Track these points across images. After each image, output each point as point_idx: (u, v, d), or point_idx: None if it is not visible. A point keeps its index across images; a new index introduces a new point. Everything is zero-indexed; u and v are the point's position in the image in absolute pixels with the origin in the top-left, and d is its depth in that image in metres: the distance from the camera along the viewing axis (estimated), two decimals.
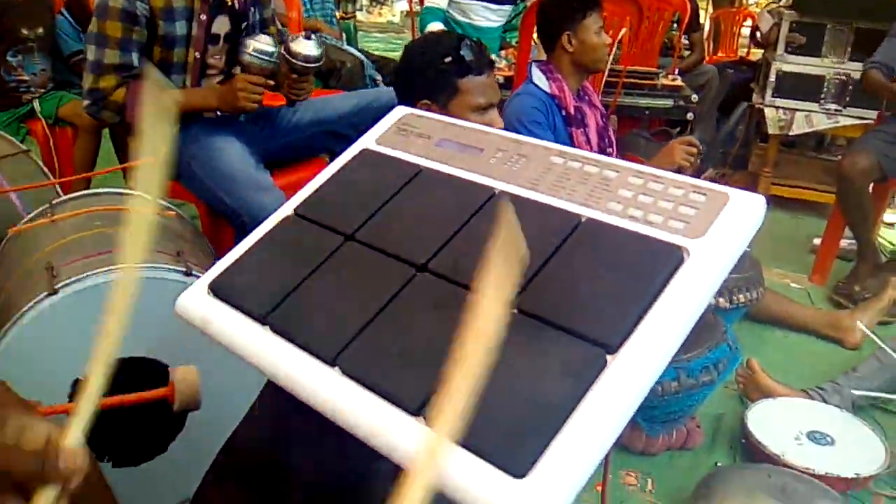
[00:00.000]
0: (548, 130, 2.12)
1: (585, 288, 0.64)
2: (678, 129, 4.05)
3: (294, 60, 2.01)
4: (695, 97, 3.28)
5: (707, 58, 5.99)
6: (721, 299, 2.17)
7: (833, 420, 1.93)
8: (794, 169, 3.75)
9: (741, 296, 2.20)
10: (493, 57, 3.26)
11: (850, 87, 3.47)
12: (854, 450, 1.81)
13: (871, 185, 2.76)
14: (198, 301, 0.80)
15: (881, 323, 2.58)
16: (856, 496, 1.76)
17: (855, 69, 3.43)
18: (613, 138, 2.50)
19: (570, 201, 0.72)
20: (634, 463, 1.85)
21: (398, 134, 0.88)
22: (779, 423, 1.90)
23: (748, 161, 4.01)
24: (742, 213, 0.71)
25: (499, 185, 0.77)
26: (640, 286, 0.63)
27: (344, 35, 4.25)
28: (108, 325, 0.61)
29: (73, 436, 0.59)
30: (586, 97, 2.35)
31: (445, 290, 0.69)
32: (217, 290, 0.80)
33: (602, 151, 2.43)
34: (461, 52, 1.64)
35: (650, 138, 3.14)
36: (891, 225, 3.70)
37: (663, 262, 0.64)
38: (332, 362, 0.69)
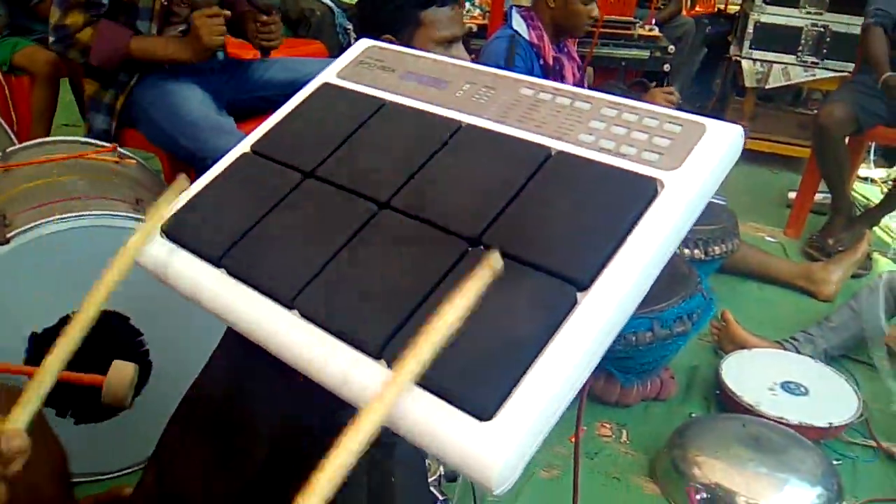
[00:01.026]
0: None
1: (555, 223, 0.61)
2: (654, 83, 4.02)
3: None
4: (672, 48, 3.23)
5: (685, 11, 5.96)
6: (696, 251, 2.16)
7: (807, 370, 1.93)
8: (771, 123, 3.73)
9: (716, 247, 2.19)
10: (465, 3, 3.21)
11: (828, 38, 3.45)
12: (827, 399, 1.82)
13: (847, 137, 2.74)
14: (153, 245, 0.76)
15: (854, 276, 2.60)
16: (829, 444, 1.78)
17: (833, 20, 3.41)
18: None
19: (540, 134, 0.68)
20: (609, 414, 1.84)
21: (361, 67, 0.83)
22: (752, 373, 1.90)
23: (725, 115, 3.98)
24: (719, 144, 0.66)
25: (465, 119, 0.73)
26: (612, 220, 0.60)
27: None
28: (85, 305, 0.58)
29: (17, 419, 0.56)
30: (565, 48, 2.30)
31: (409, 227, 0.65)
32: (171, 232, 0.76)
33: None
34: None
35: (627, 90, 3.09)
36: (865, 179, 3.71)
37: (636, 195, 0.61)
38: (290, 305, 0.65)
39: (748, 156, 3.79)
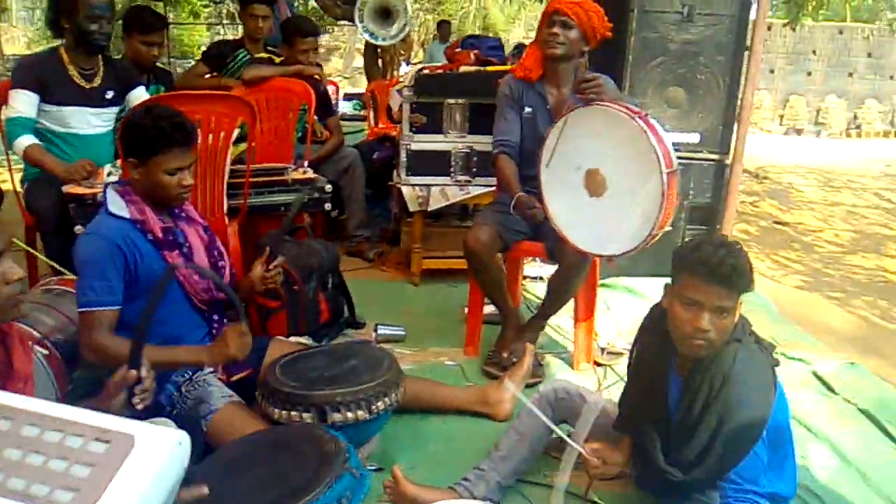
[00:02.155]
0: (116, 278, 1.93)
1: None
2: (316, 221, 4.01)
3: None
4: (328, 187, 3.23)
5: (370, 130, 6.19)
6: (360, 412, 2.06)
7: None
8: (443, 240, 3.86)
9: (380, 403, 2.10)
10: (109, 168, 2.95)
11: (475, 158, 3.68)
12: None
13: (499, 254, 2.87)
14: None
15: (528, 386, 2.65)
16: None
17: (475, 141, 3.65)
18: (225, 250, 2.33)
19: None
20: None
21: None
22: None
23: (400, 237, 4.08)
24: (151, 458, 0.57)
25: None
26: None
27: None
28: None
29: None
30: (182, 213, 2.14)
31: None
32: None
33: (214, 266, 2.23)
34: None
35: (289, 238, 3.01)
36: (536, 278, 3.96)
37: None
38: None
39: (426, 273, 3.93)
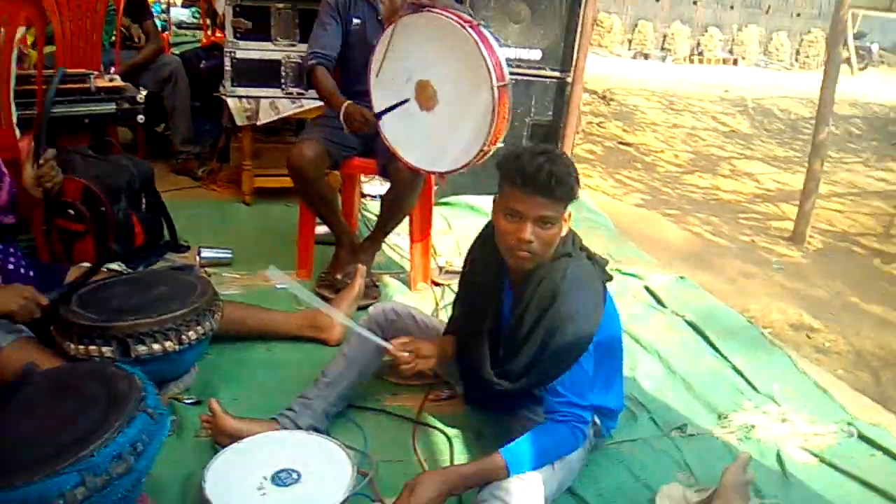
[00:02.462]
0: None
1: None
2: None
3: None
4: (141, 97, 2.92)
5: (204, 39, 5.70)
6: (168, 342, 1.89)
7: (300, 449, 1.77)
8: (276, 157, 3.63)
9: (191, 333, 1.93)
10: None
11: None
12: (322, 479, 1.67)
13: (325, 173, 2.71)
14: None
15: (362, 308, 2.55)
16: None
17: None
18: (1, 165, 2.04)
19: None
20: None
21: None
22: (243, 472, 1.68)
23: (230, 154, 3.82)
24: None
25: None
26: None
27: None
28: None
29: None
30: None
31: None
32: None
33: None
34: None
35: (91, 154, 2.70)
36: (375, 197, 3.83)
37: None
38: None
39: (260, 192, 3.70)
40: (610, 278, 1.85)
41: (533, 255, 1.68)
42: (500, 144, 2.31)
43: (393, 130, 2.45)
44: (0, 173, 2.04)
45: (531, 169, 1.60)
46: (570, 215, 1.71)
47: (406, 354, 1.88)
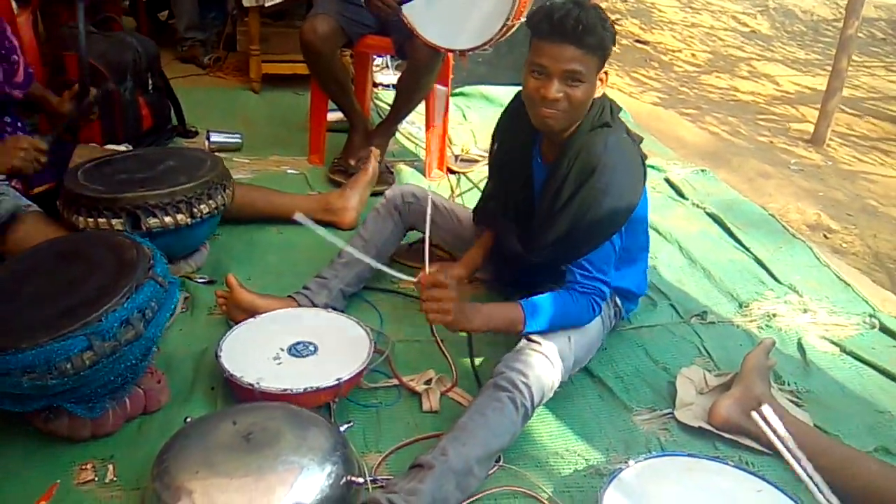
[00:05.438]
0: None
1: None
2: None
3: None
4: None
5: None
6: (180, 216, 1.85)
7: (318, 324, 1.77)
8: (285, 42, 3.48)
9: (203, 206, 1.88)
10: None
11: None
12: (338, 352, 1.66)
13: (338, 51, 2.59)
14: None
15: (375, 194, 2.48)
16: (351, 398, 1.63)
17: None
18: (15, 40, 1.95)
19: None
20: (91, 451, 1.46)
21: None
22: (259, 344, 1.67)
23: (236, 40, 3.67)
24: None
25: None
26: None
27: None
28: None
29: None
30: None
31: None
32: None
33: (3, 60, 1.88)
34: None
35: (95, 30, 2.58)
36: (389, 86, 3.71)
37: None
38: None
39: (268, 80, 3.58)
40: (646, 157, 1.76)
41: (562, 115, 1.56)
42: (523, 20, 2.19)
43: (412, 6, 2.32)
44: (14, 51, 1.95)
45: (558, 15, 1.48)
46: (606, 75, 1.60)
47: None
